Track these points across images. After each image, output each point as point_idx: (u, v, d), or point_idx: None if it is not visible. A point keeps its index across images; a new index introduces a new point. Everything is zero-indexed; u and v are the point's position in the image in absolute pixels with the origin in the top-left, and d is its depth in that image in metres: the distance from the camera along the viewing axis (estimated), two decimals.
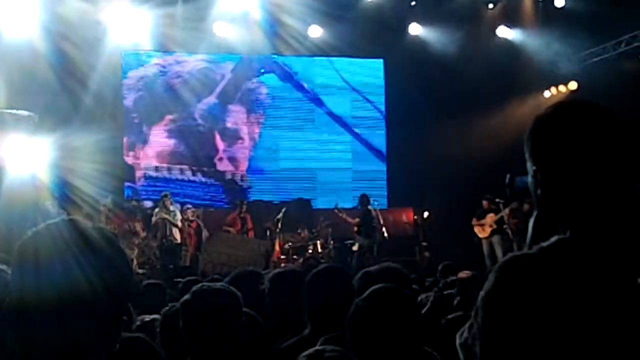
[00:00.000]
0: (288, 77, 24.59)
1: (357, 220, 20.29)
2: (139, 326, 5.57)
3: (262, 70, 24.32)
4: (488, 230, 20.55)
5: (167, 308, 5.58)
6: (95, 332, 2.16)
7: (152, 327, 5.57)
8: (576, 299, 2.07)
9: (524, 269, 2.15)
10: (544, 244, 2.23)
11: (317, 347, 2.98)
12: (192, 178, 23.45)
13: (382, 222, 20.81)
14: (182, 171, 23.33)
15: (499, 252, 19.99)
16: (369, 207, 20.32)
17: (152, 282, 9.08)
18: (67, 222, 2.24)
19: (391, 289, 3.84)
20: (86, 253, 2.15)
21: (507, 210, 19.88)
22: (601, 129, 2.30)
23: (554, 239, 2.24)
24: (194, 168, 23.50)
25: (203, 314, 4.11)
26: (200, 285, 4.31)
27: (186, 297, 4.22)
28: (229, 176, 23.92)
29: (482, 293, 2.20)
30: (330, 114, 24.92)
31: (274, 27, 22.43)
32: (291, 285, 5.77)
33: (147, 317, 5.78)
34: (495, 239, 20.55)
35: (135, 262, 19.62)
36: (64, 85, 19.97)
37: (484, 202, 20.59)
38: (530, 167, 2.44)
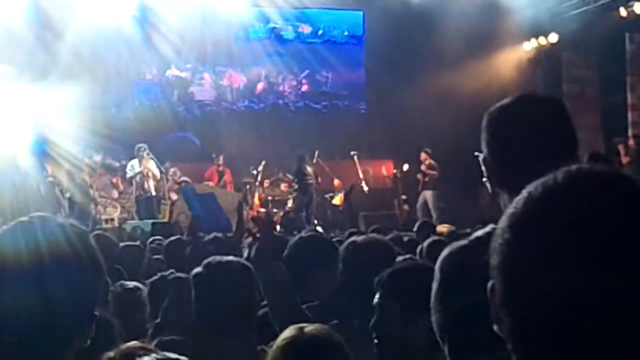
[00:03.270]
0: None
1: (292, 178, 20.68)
2: (119, 293, 5.60)
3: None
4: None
5: (156, 277, 5.63)
6: (55, 344, 2.18)
7: (134, 294, 5.63)
8: None
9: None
10: (480, 234, 2.34)
11: (293, 333, 3.02)
12: None
13: (361, 174, 20.94)
14: None
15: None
16: (305, 165, 20.49)
17: (129, 244, 9.08)
18: (31, 226, 2.23)
19: None
20: (48, 267, 2.14)
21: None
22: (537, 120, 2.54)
23: (488, 228, 2.31)
24: None
25: (216, 287, 4.15)
26: (213, 257, 4.33)
27: (198, 269, 4.24)
28: None
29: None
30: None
31: None
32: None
33: (129, 284, 5.80)
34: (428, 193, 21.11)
35: (116, 220, 19.71)
36: (41, 40, 19.84)
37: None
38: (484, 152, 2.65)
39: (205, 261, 4.29)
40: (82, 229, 2.29)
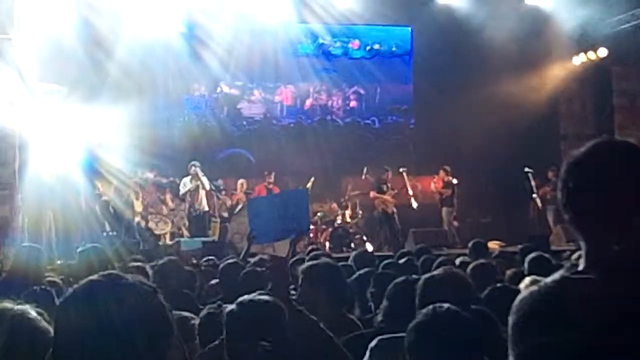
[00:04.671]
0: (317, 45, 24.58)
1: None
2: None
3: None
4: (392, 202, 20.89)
5: (205, 312, 5.61)
6: None
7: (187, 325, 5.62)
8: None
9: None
10: (549, 281, 2.36)
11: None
12: None
13: (410, 190, 20.87)
14: None
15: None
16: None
17: (171, 258, 9.13)
18: (102, 286, 2.27)
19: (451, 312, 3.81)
20: (121, 318, 2.20)
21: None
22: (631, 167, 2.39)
23: (557, 276, 2.37)
24: None
25: (247, 326, 4.10)
26: (247, 296, 4.29)
27: (232, 307, 4.21)
28: None
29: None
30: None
31: None
32: (324, 278, 5.81)
33: (182, 314, 5.80)
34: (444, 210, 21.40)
35: (168, 235, 19.85)
36: (91, 57, 20.00)
37: (388, 174, 21.16)
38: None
39: (239, 299, 4.26)
40: (152, 287, 2.30)
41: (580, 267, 2.37)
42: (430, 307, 3.75)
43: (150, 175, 20.20)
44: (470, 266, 7.85)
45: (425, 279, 4.94)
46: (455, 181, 21.89)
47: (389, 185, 20.74)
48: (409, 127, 25.42)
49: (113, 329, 2.16)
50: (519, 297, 2.39)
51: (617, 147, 2.45)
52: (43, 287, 6.31)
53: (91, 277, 2.27)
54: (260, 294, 4.30)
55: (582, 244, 2.39)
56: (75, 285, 2.27)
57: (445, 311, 3.72)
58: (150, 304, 2.24)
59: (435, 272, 5.15)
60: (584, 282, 2.29)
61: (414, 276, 5.50)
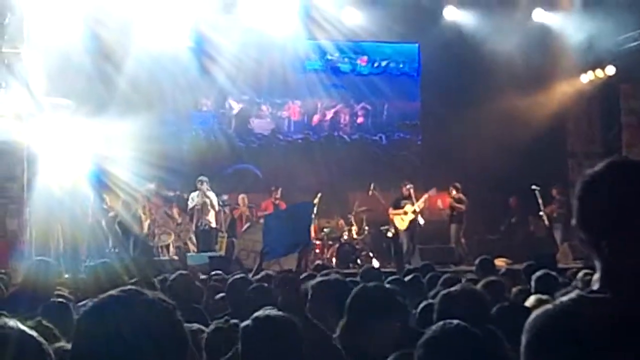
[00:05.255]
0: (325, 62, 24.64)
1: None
2: None
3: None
4: (407, 221, 20.71)
5: (213, 326, 5.62)
6: None
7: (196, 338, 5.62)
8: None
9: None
10: (565, 299, 2.37)
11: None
12: None
13: (417, 207, 20.82)
14: None
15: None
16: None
17: (182, 273, 9.19)
18: (124, 298, 2.28)
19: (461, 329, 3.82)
20: (140, 334, 2.21)
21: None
22: None
23: (573, 294, 2.37)
24: None
25: (263, 342, 4.12)
26: (262, 312, 4.31)
27: (247, 322, 4.22)
28: None
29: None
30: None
31: (308, 11, 22.32)
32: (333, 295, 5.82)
33: (192, 327, 5.81)
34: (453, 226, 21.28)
35: (172, 246, 19.87)
36: (99, 70, 20.07)
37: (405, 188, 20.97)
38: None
39: (255, 315, 4.27)
40: (171, 304, 2.32)
41: (596, 287, 2.37)
42: (441, 323, 3.76)
43: (155, 188, 20.18)
44: (481, 283, 7.86)
45: (443, 295, 4.95)
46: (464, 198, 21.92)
47: (413, 200, 20.68)
48: (417, 143, 25.41)
49: (131, 345, 2.17)
50: (534, 315, 2.40)
51: (632, 167, 2.45)
52: (60, 300, 6.34)
53: (110, 292, 2.29)
54: (272, 310, 4.32)
55: (598, 263, 2.40)
56: (95, 300, 2.29)
57: (454, 327, 3.73)
58: (169, 320, 2.26)
59: (452, 289, 5.16)
60: (600, 301, 2.30)
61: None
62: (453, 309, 4.59)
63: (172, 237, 20.15)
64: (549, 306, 2.39)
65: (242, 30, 22.20)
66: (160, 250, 19.58)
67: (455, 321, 3.79)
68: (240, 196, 21.36)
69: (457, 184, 21.22)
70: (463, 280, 9.76)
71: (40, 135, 16.45)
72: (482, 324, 3.82)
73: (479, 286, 7.70)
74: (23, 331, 2.27)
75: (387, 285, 6.05)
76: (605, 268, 2.37)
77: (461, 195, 21.20)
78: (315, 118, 24.91)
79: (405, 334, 4.58)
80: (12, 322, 2.29)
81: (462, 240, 21.27)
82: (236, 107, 24.17)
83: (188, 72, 22.51)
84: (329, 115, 24.93)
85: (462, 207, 21.12)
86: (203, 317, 7.27)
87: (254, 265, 10.55)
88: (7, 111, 15.50)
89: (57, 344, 3.77)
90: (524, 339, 2.37)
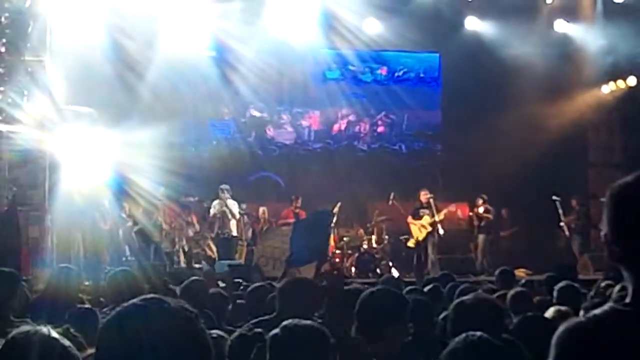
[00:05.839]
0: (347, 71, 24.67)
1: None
2: None
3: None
4: (425, 231, 20.29)
5: (237, 333, 5.63)
6: None
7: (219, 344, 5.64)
8: None
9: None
10: (598, 312, 2.35)
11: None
12: None
13: (436, 217, 20.70)
14: None
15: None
16: None
17: (197, 279, 9.19)
18: (148, 306, 2.30)
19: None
20: (163, 342, 2.23)
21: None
22: None
23: (606, 307, 2.36)
24: None
25: (292, 351, 4.12)
26: (291, 321, 4.30)
27: (276, 331, 4.23)
28: None
29: None
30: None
31: (329, 21, 22.34)
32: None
33: (213, 333, 5.82)
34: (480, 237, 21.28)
35: (187, 253, 19.91)
36: (121, 78, 20.17)
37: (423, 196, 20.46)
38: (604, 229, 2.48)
39: (284, 323, 4.28)
40: (194, 312, 2.32)
41: (628, 300, 2.36)
42: (463, 335, 3.76)
43: (175, 196, 20.19)
44: (511, 293, 7.92)
45: (457, 304, 4.94)
46: (482, 209, 21.83)
47: (433, 210, 20.16)
48: (437, 153, 25.41)
49: (155, 353, 2.19)
50: (564, 327, 2.38)
51: None
52: (87, 307, 6.37)
53: (133, 301, 2.30)
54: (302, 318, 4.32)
55: (630, 276, 2.38)
56: (119, 308, 2.30)
57: (477, 339, 3.73)
58: (192, 329, 2.27)
59: (465, 298, 5.15)
60: (634, 314, 2.30)
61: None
62: (466, 318, 4.59)
63: (191, 244, 20.19)
64: (581, 319, 2.38)
65: (263, 40, 22.25)
66: (177, 257, 19.64)
67: (478, 333, 3.79)
68: (261, 208, 21.36)
69: (484, 195, 21.19)
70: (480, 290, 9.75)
71: (63, 144, 16.49)
72: (497, 333, 3.80)
73: (508, 296, 7.76)
74: (55, 338, 2.29)
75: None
76: (637, 281, 2.36)
77: (488, 206, 21.17)
78: (336, 127, 24.95)
79: (417, 337, 4.59)
80: (45, 329, 2.31)
81: (487, 249, 21.22)
82: (257, 116, 24.22)
83: (209, 81, 22.54)
84: (349, 124, 24.95)
85: (490, 217, 21.10)
86: (221, 323, 7.29)
87: (273, 272, 10.58)
88: (30, 119, 15.53)
89: (87, 352, 3.79)
90: (553, 351, 2.36)
